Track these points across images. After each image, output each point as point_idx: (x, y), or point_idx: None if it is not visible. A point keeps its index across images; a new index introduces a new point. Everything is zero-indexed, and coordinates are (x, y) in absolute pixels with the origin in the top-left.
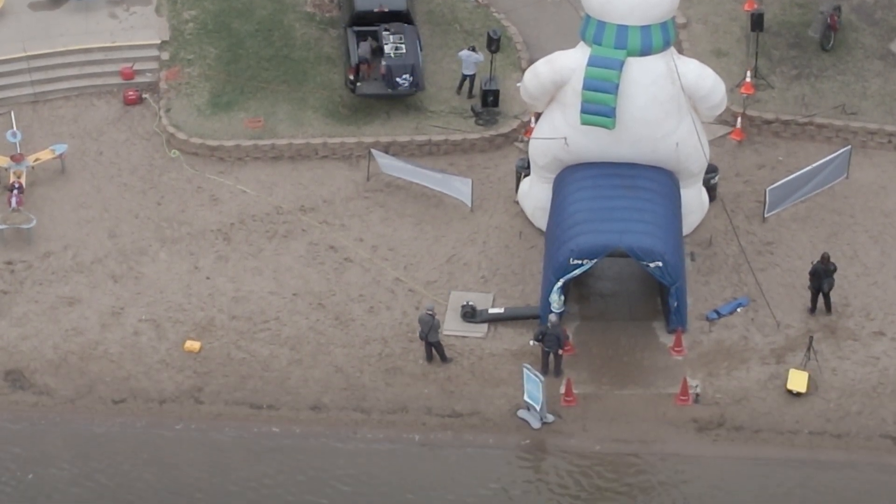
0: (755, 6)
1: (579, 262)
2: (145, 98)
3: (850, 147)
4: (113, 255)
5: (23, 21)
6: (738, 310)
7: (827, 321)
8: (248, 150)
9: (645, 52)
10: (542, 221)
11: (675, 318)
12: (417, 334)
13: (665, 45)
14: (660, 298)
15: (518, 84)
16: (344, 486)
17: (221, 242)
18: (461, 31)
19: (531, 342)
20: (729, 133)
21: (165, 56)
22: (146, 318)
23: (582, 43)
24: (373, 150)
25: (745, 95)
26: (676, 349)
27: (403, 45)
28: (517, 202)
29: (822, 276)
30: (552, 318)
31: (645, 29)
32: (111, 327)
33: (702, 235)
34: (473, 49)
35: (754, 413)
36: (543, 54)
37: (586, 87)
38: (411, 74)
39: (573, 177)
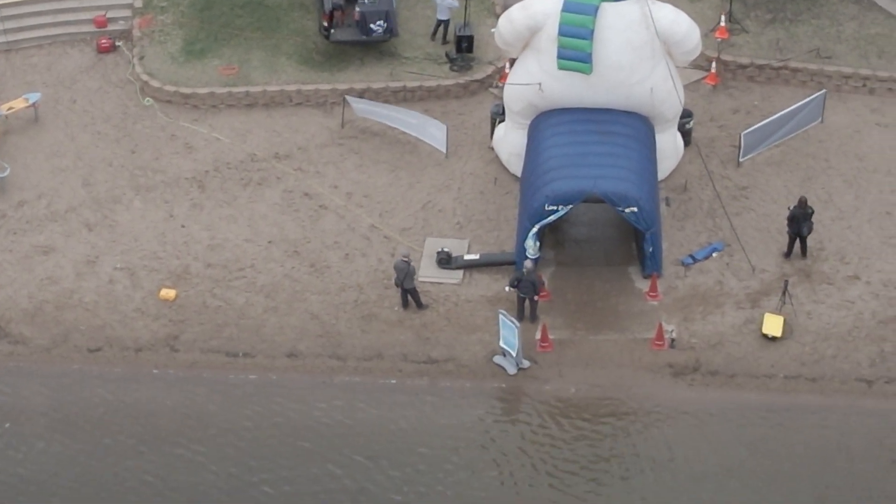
0: None
1: (554, 207)
2: (119, 46)
3: (824, 91)
4: (87, 204)
5: None
6: (714, 254)
7: (802, 265)
8: (222, 97)
9: None
10: (517, 167)
11: (650, 264)
12: (393, 281)
13: None
14: (635, 244)
15: (492, 30)
16: (321, 432)
17: (196, 190)
18: None
19: (506, 288)
20: (703, 78)
21: (139, 4)
22: (121, 266)
23: None
24: (347, 97)
25: (719, 40)
26: (651, 294)
27: None
28: (492, 148)
29: (801, 221)
30: (527, 264)
31: None
32: (86, 276)
33: (677, 181)
34: None
35: (730, 357)
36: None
37: (562, 32)
38: (385, 21)
39: (548, 123)
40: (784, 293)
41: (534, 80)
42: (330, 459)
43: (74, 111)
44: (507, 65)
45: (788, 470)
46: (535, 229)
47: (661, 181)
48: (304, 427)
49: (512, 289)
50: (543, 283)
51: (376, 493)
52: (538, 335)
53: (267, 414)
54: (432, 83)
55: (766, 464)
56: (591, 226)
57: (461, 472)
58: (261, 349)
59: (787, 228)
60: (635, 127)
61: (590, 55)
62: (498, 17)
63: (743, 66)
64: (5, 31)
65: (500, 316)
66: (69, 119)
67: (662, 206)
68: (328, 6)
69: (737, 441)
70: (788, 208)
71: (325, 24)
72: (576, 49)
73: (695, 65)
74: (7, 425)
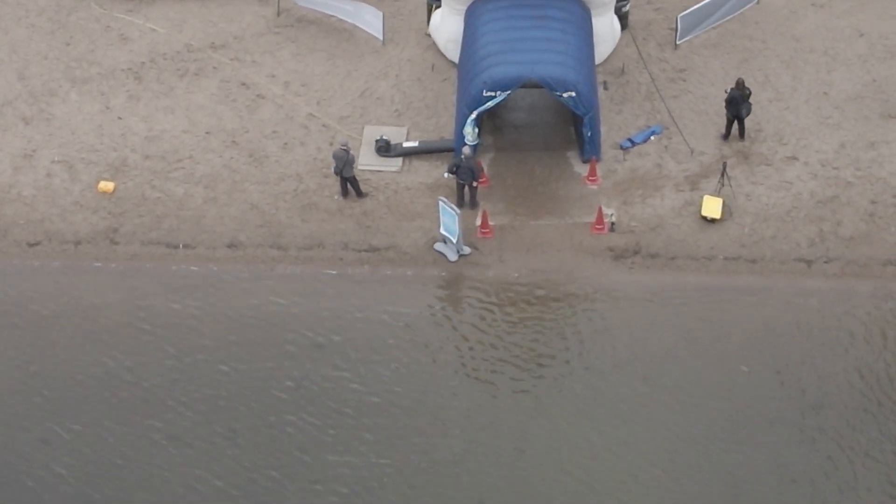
0: None
1: (492, 93)
2: None
3: None
4: (23, 97)
5: None
6: (652, 138)
7: (740, 147)
8: None
9: None
10: (454, 54)
11: (589, 148)
12: (332, 170)
13: None
14: (573, 128)
15: None
16: (264, 320)
17: (132, 82)
18: None
19: (445, 175)
20: None
21: None
22: (59, 159)
23: None
24: None
25: None
26: (591, 178)
27: None
28: (429, 35)
29: (738, 103)
30: (466, 150)
31: None
32: (23, 170)
33: (614, 64)
34: None
35: (669, 240)
36: None
37: None
38: None
39: (485, 8)
40: (723, 175)
41: None
42: (274, 346)
43: (8, 4)
44: None
45: (729, 350)
46: (473, 115)
47: (599, 65)
48: (247, 316)
49: (451, 175)
50: (482, 170)
51: (321, 378)
52: (478, 221)
53: (209, 305)
54: None
55: (707, 345)
56: (530, 111)
57: (405, 356)
58: (201, 240)
59: (724, 110)
60: (572, 11)
61: None
62: None
63: None
64: None
65: (441, 203)
66: (2, 13)
67: (600, 90)
68: None
69: (677, 323)
70: (726, 90)
71: None
72: None
73: None
74: None
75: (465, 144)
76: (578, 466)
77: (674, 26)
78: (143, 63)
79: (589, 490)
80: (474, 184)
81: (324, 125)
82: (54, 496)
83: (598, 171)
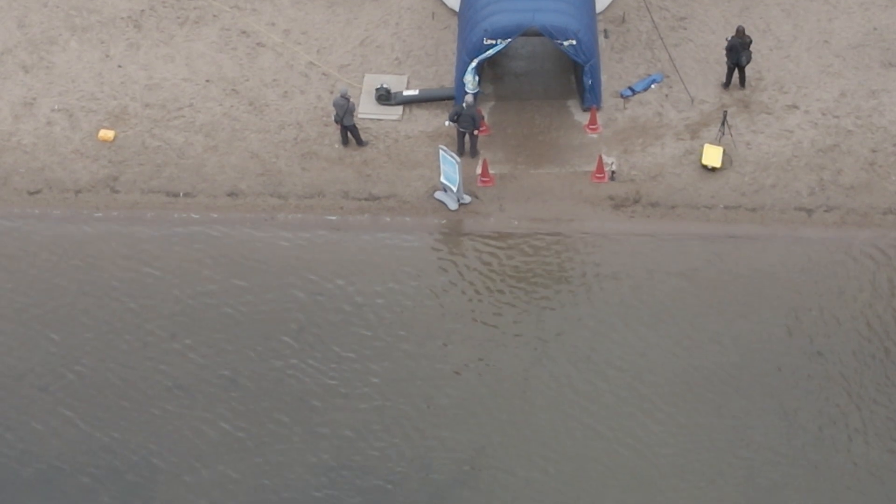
0: None
1: (493, 42)
2: None
3: None
4: (23, 46)
5: None
6: (653, 86)
7: (741, 95)
8: None
9: None
10: (454, 2)
11: (589, 96)
12: (332, 118)
13: None
14: (574, 77)
15: None
16: (263, 268)
17: (132, 30)
18: None
19: (446, 123)
20: None
21: None
22: (59, 108)
23: None
24: None
25: None
26: (591, 127)
27: None
28: None
29: (739, 51)
30: (467, 98)
31: None
32: (24, 118)
33: (615, 12)
34: None
35: (670, 189)
36: None
37: None
38: None
39: None
40: (723, 124)
41: None
42: (278, 291)
43: None
44: None
45: (728, 299)
46: (473, 64)
47: (599, 13)
48: (250, 261)
49: (452, 123)
50: (483, 118)
51: (325, 322)
52: (479, 170)
53: (212, 251)
54: None
55: (708, 292)
56: (530, 59)
57: (409, 301)
58: (202, 189)
59: (725, 59)
60: None
61: None
62: None
63: None
64: None
65: (441, 151)
66: None
67: (601, 39)
68: None
69: (677, 272)
70: (727, 39)
71: None
72: None
73: None
74: None
75: (466, 93)
76: (582, 410)
77: None
78: (143, 11)
79: (593, 434)
80: (475, 132)
81: (324, 73)
82: (61, 440)
83: (599, 120)
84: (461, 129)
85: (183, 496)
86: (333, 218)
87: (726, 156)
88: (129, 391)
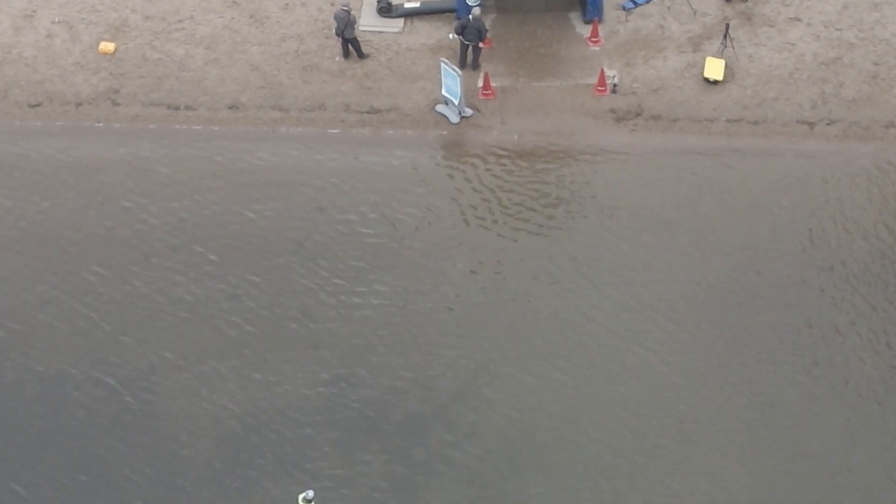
0: None
1: None
2: None
3: None
4: None
5: None
6: None
7: (743, 8)
8: None
9: None
10: None
11: (591, 9)
12: (333, 31)
13: None
14: None
15: None
16: (265, 182)
17: None
18: None
19: (451, 36)
20: None
21: None
22: (59, 20)
23: None
24: None
25: None
26: (593, 40)
27: None
28: None
29: None
30: (474, 10)
31: None
32: (24, 30)
33: None
34: None
35: (672, 102)
36: None
37: None
38: None
39: None
40: (725, 36)
41: None
42: (277, 202)
43: None
44: None
45: (730, 212)
46: None
47: None
48: (250, 173)
49: (457, 36)
50: (487, 30)
51: (330, 231)
52: (480, 83)
53: (212, 165)
54: None
55: (708, 206)
56: None
57: (412, 209)
58: (202, 102)
59: None
60: None
61: None
62: None
63: None
64: None
65: (442, 64)
66: None
67: None
68: None
69: (679, 185)
70: None
71: None
72: None
73: None
74: None
75: (468, 5)
76: (588, 320)
77: None
78: None
79: (599, 344)
80: (480, 45)
81: None
82: (62, 353)
83: (601, 33)
84: (466, 42)
85: (181, 392)
86: (335, 131)
87: (728, 69)
88: (131, 304)
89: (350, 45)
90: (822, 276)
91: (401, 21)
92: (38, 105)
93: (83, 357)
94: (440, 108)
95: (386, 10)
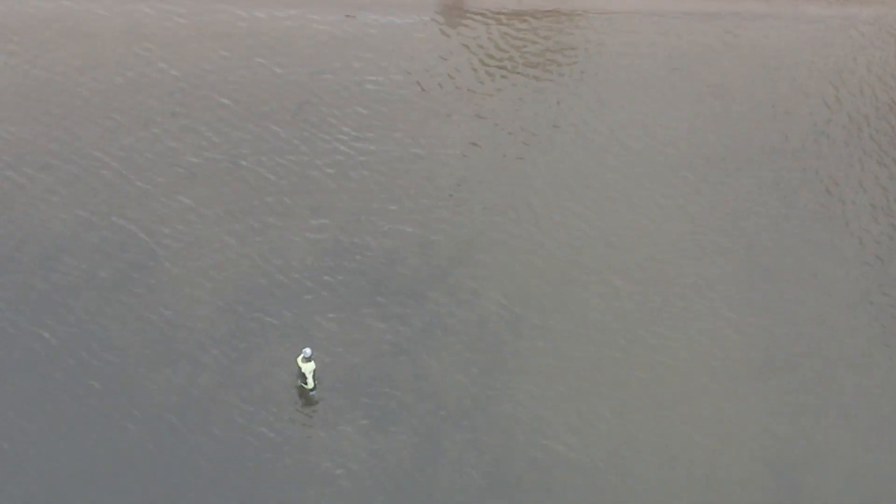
0: None
1: None
2: None
3: None
4: None
5: None
6: None
7: None
8: None
9: None
10: None
11: None
12: None
13: None
14: None
15: None
16: (261, 46)
17: None
18: None
19: None
20: None
21: None
22: None
23: None
24: None
25: None
26: None
27: None
28: None
29: None
30: None
31: None
32: None
33: None
34: None
35: None
36: None
37: None
38: None
39: None
40: None
41: None
42: (273, 67)
43: None
44: None
45: (728, 81)
46: None
47: None
48: (248, 37)
49: None
50: None
51: (327, 95)
52: None
53: (211, 28)
54: None
55: (707, 72)
56: None
57: (406, 79)
58: None
59: None
60: None
61: None
62: None
63: None
64: None
65: None
66: None
67: None
68: None
69: (681, 47)
70: None
71: None
72: None
73: None
74: None
75: None
76: (585, 188)
77: None
78: None
79: (595, 206)
80: None
81: None
82: (61, 222)
83: None
84: None
85: (182, 276)
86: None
87: None
88: (130, 170)
89: None
90: (816, 143)
91: None
92: None
93: (78, 227)
94: None
95: None
